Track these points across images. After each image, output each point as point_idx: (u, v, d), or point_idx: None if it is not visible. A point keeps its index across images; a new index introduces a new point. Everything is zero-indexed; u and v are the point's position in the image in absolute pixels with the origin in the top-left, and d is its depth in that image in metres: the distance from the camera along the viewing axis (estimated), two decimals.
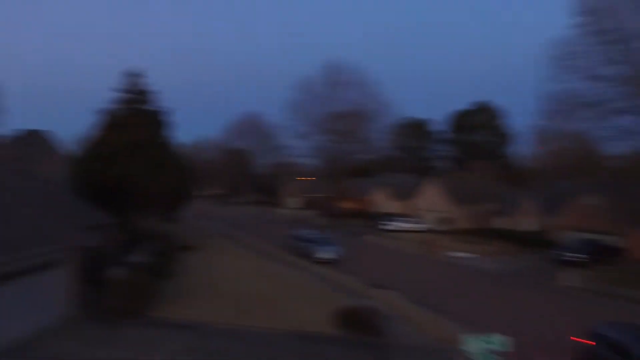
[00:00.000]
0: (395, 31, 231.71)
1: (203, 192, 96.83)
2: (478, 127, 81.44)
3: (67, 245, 16.02)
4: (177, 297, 19.60)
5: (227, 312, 18.13)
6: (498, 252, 38.63)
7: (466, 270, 31.99)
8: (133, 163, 27.52)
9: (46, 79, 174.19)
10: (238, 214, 67.41)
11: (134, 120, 29.74)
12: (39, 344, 13.61)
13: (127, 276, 17.87)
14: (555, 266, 32.55)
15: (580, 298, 24.73)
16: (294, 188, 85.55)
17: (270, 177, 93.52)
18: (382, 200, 65.75)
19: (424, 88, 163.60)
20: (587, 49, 31.10)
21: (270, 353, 14.52)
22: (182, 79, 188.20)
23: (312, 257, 31.55)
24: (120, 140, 28.19)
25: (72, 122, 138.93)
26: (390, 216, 54.93)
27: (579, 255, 33.37)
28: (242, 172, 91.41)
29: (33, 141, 46.84)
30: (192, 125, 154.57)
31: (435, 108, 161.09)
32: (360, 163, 73.31)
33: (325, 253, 31.82)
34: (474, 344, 8.98)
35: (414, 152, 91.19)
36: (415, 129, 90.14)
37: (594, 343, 13.72)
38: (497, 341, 8.90)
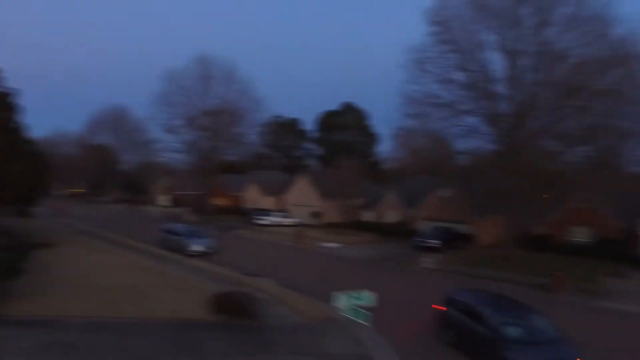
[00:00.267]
0: (269, 32, 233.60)
1: (64, 189, 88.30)
2: (345, 127, 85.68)
3: None
4: (31, 294, 17.75)
5: (87, 306, 16.72)
6: (364, 242, 41.41)
7: (335, 258, 33.64)
8: None
9: None
10: (103, 213, 62.85)
11: None
12: None
13: None
14: (415, 252, 35.69)
15: (435, 276, 27.53)
16: (164, 185, 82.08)
17: (138, 174, 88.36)
18: (254, 197, 66.17)
19: (296, 88, 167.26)
20: (439, 56, 34.72)
21: (138, 342, 13.90)
22: (35, 67, 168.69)
23: (185, 250, 30.83)
24: None
25: None
26: (262, 211, 55.94)
27: (434, 241, 37.11)
28: (106, 169, 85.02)
29: None
30: (48, 118, 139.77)
31: (307, 108, 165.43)
32: (232, 160, 72.93)
33: (198, 246, 31.25)
34: (343, 300, 9.72)
35: (285, 150, 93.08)
36: (286, 128, 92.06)
37: (445, 308, 15.99)
38: (364, 297, 9.74)
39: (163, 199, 79.50)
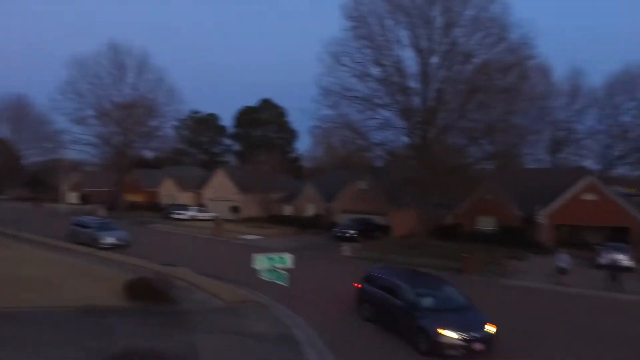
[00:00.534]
0: (187, 26, 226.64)
1: None
2: (263, 122, 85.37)
3: None
4: None
5: None
6: (284, 234, 41.58)
7: (255, 249, 33.44)
8: None
9: None
10: (3, 211, 57.54)
11: None
12: None
13: None
14: (335, 242, 36.54)
15: (354, 263, 28.24)
16: (72, 182, 76.62)
17: (43, 170, 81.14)
18: (171, 192, 63.91)
19: (215, 84, 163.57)
20: (355, 50, 35.56)
21: (45, 330, 12.90)
22: None
23: (97, 243, 29.55)
24: None
25: None
26: (180, 206, 54.53)
27: (352, 232, 38.03)
28: (6, 165, 77.25)
29: None
30: None
31: (226, 104, 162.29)
32: (148, 155, 69.95)
33: (111, 238, 30.08)
34: (262, 262, 9.73)
35: (202, 145, 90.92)
36: (204, 123, 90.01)
37: (360, 286, 16.80)
38: (280, 259, 9.80)
39: (72, 196, 74.29)
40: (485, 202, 39.61)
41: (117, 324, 13.88)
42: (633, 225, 33.08)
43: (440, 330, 12.46)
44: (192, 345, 12.54)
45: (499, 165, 52.53)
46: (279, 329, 14.45)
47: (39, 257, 24.37)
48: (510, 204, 38.58)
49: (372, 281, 16.26)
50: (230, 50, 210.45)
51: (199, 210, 54.20)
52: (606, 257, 26.71)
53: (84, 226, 31.50)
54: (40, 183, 79.86)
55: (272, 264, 9.48)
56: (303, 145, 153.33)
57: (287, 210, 51.66)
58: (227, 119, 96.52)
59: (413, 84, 35.39)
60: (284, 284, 9.70)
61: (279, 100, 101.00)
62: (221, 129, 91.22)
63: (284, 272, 9.68)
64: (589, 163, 54.51)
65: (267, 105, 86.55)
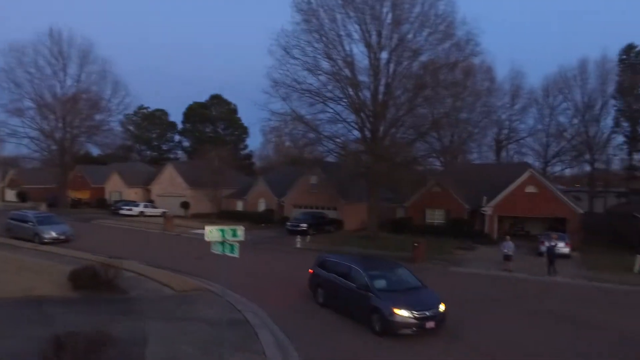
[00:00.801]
0: (133, 18, 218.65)
1: None
2: (213, 119, 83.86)
3: None
4: None
5: None
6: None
7: (204, 243, 32.88)
8: None
9: None
10: None
11: None
12: None
13: None
14: (288, 236, 36.49)
15: (305, 254, 28.18)
16: (10, 178, 72.29)
17: None
18: (118, 188, 61.62)
19: (165, 80, 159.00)
20: (306, 43, 35.47)
21: None
22: None
23: (38, 238, 28.21)
24: None
25: None
26: (128, 202, 52.86)
27: (304, 225, 38.02)
28: None
29: None
30: None
31: (176, 100, 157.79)
32: (94, 151, 67.19)
33: (53, 232, 28.73)
34: (213, 234, 9.55)
35: (151, 141, 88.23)
36: (153, 119, 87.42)
37: (312, 271, 16.93)
38: (232, 231, 9.64)
39: (9, 194, 70.13)
40: (434, 195, 40.61)
41: (61, 313, 13.22)
42: (570, 215, 34.86)
43: (395, 310, 12.62)
44: (141, 330, 12.13)
45: (447, 159, 54.25)
46: (232, 314, 14.23)
47: None
48: (458, 197, 39.72)
49: (324, 266, 16.31)
50: (179, 44, 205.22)
51: (147, 206, 52.57)
52: (545, 245, 28.05)
53: (23, 221, 29.81)
54: None
55: (224, 236, 9.25)
56: (254, 142, 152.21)
57: (239, 205, 51.02)
58: (176, 115, 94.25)
59: (363, 78, 35.80)
60: (235, 256, 9.52)
61: (229, 96, 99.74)
62: (170, 125, 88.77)
63: (235, 243, 9.49)
64: (530, 160, 57.01)
65: (217, 101, 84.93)
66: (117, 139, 64.84)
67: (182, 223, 42.88)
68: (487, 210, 36.09)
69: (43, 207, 50.82)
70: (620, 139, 56.99)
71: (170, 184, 55.01)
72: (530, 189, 35.70)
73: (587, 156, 55.88)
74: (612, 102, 55.90)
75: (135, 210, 50.49)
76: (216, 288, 17.70)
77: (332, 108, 36.48)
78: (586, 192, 57.44)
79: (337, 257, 16.59)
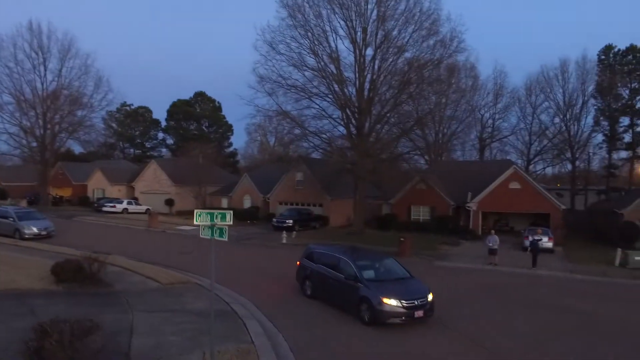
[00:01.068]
0: (116, 14, 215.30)
1: None
2: (197, 116, 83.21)
3: None
4: None
5: None
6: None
7: (192, 238, 32.62)
8: None
9: None
10: None
11: None
12: None
13: None
14: (274, 232, 36.29)
15: (291, 250, 28.16)
16: None
17: None
18: (101, 186, 60.77)
19: (149, 77, 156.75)
20: (292, 39, 35.34)
21: None
22: None
23: (19, 234, 27.74)
24: None
25: None
26: (111, 199, 52.25)
27: (288, 221, 37.89)
28: None
29: None
30: None
31: (159, 97, 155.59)
32: (76, 148, 66.10)
33: (34, 228, 28.20)
34: (202, 218, 9.45)
35: (135, 139, 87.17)
36: (136, 116, 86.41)
37: (299, 263, 16.92)
38: (221, 215, 9.55)
39: None
40: (420, 192, 40.78)
41: (44, 305, 12.95)
42: (553, 211, 35.35)
43: (384, 299, 12.62)
44: (127, 321, 11.95)
45: (432, 157, 54.68)
46: (220, 306, 14.06)
47: None
48: (443, 194, 39.97)
49: (312, 258, 16.25)
50: (163, 41, 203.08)
51: (132, 204, 51.96)
52: (529, 240, 28.39)
53: (3, 216, 29.13)
54: None
55: (213, 220, 9.14)
56: (239, 141, 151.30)
57: (224, 203, 50.68)
58: (160, 112, 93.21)
59: (349, 74, 35.84)
60: (224, 239, 9.42)
61: (214, 94, 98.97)
62: (154, 123, 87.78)
63: (224, 227, 9.39)
64: (513, 159, 57.67)
65: (201, 98, 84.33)
66: (100, 135, 63.92)
67: (166, 220, 42.49)
68: (472, 206, 36.40)
69: (23, 204, 49.79)
70: (600, 137, 58.10)
71: (154, 181, 54.37)
72: (514, 185, 36.11)
73: (569, 154, 56.76)
74: (592, 101, 56.92)
75: (119, 207, 49.88)
76: (202, 281, 17.57)
77: (317, 104, 36.55)
78: (567, 190, 58.34)
79: (325, 249, 16.57)
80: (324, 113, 36.62)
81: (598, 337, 13.02)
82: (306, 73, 35.84)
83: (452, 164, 50.95)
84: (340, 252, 15.56)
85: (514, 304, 16.60)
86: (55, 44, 51.81)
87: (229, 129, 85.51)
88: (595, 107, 57.31)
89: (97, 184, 61.11)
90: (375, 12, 34.50)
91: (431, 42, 34.44)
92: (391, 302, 12.62)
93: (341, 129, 37.43)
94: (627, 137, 56.76)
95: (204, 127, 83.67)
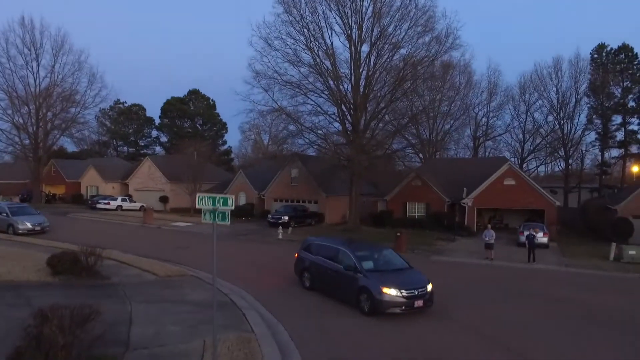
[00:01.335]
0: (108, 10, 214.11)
1: None
2: (191, 114, 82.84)
3: None
4: None
5: None
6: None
7: (188, 234, 32.60)
8: None
9: None
10: None
11: None
12: None
13: None
14: (269, 228, 36.35)
15: (287, 245, 28.15)
16: None
17: None
18: (95, 183, 60.34)
19: (141, 74, 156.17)
20: (287, 35, 35.25)
21: None
22: None
23: (13, 229, 27.51)
24: None
25: None
26: (105, 197, 51.97)
27: (284, 218, 37.85)
28: None
29: None
30: None
31: (153, 95, 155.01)
32: (70, 147, 65.66)
33: (28, 224, 27.99)
34: (204, 202, 9.39)
35: (128, 137, 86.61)
36: (130, 114, 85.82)
37: (297, 255, 16.87)
38: (223, 199, 9.48)
39: None
40: (415, 189, 40.81)
41: (41, 296, 12.80)
42: (547, 207, 35.53)
43: (384, 289, 12.61)
44: (125, 312, 11.86)
45: (426, 154, 54.79)
46: (218, 297, 13.92)
47: None
48: (438, 191, 40.03)
49: (311, 250, 16.22)
50: (156, 39, 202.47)
51: (126, 201, 51.68)
52: (525, 235, 28.53)
53: None
54: None
55: (215, 204, 9.08)
56: (233, 140, 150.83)
57: None
58: (154, 110, 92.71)
59: (344, 70, 35.84)
60: (227, 224, 9.36)
61: (208, 92, 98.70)
62: (148, 121, 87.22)
63: (227, 211, 9.33)
64: (506, 157, 57.87)
65: (195, 96, 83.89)
66: (93, 132, 63.53)
67: (161, 217, 42.32)
68: (468, 201, 36.49)
69: (16, 201, 49.44)
70: (592, 135, 58.51)
71: (148, 178, 54.08)
72: (509, 182, 36.24)
73: (562, 152, 57.10)
74: (585, 99, 57.29)
75: (113, 204, 49.59)
76: (199, 274, 17.50)
77: (313, 100, 36.47)
78: (561, 188, 58.70)
79: (323, 240, 16.55)
80: (319, 109, 36.61)
81: (597, 325, 13.14)
82: (302, 69, 35.83)
83: (447, 161, 51.11)
84: (339, 243, 15.55)
85: (512, 295, 16.72)
86: (48, 39, 51.52)
87: (223, 127, 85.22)
88: (588, 105, 57.73)
89: (90, 181, 60.67)
90: (370, 8, 34.54)
91: (426, 38, 34.49)
92: (391, 291, 12.61)
93: (337, 125, 37.45)
94: (620, 135, 57.27)
95: (198, 125, 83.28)
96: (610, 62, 57.51)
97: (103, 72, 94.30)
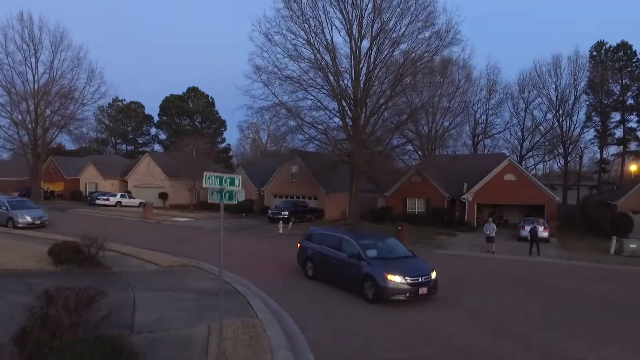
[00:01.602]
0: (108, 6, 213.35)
1: None
2: (190, 111, 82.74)
3: None
4: None
5: None
6: (216, 217, 40.48)
7: (189, 228, 32.57)
8: None
9: None
10: None
11: None
12: None
13: None
14: (270, 223, 36.44)
15: (286, 238, 28.13)
16: None
17: None
18: (94, 179, 60.27)
19: (141, 73, 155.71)
20: (287, 30, 35.17)
21: None
22: None
23: (13, 223, 27.39)
24: None
25: None
26: (104, 193, 52.01)
27: (284, 213, 37.82)
28: None
29: None
30: None
31: (152, 92, 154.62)
32: (68, 144, 65.46)
33: (28, 217, 27.83)
34: (211, 181, 9.27)
35: (127, 134, 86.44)
36: (129, 111, 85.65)
37: (300, 245, 16.86)
38: (230, 179, 9.40)
39: None
40: (415, 185, 40.83)
41: (43, 284, 12.57)
42: (548, 202, 35.57)
43: (389, 276, 12.58)
44: (129, 299, 11.81)
45: (426, 151, 54.74)
46: (222, 286, 13.94)
47: None
48: (438, 186, 40.04)
49: (313, 239, 16.22)
50: (155, 36, 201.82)
51: (125, 197, 51.70)
52: (526, 230, 28.55)
53: None
54: None
55: (222, 184, 8.98)
56: (232, 138, 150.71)
57: None
58: (153, 108, 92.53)
59: (344, 66, 35.77)
60: (234, 203, 9.28)
61: (206, 89, 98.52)
62: (146, 118, 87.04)
63: (234, 191, 9.24)
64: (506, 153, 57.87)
65: (194, 93, 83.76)
66: (92, 129, 63.20)
67: (161, 212, 42.27)
68: (468, 197, 36.49)
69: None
70: (591, 133, 58.59)
71: (147, 174, 53.95)
72: (509, 177, 36.27)
73: (561, 150, 57.14)
74: (584, 97, 57.36)
75: (113, 200, 49.58)
76: (201, 265, 17.45)
77: (313, 95, 36.36)
78: (560, 185, 58.75)
79: (327, 230, 16.55)
80: (319, 104, 36.53)
81: (598, 310, 13.16)
82: (302, 64, 35.70)
83: (447, 157, 51.08)
84: (342, 232, 15.57)
85: (514, 285, 16.72)
86: (47, 35, 51.31)
87: (222, 124, 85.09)
88: (587, 103, 57.78)
89: (89, 178, 60.56)
90: (371, 3, 34.42)
91: (427, 34, 34.35)
92: (395, 278, 12.58)
93: (337, 120, 37.34)
94: (618, 133, 57.44)
95: (197, 123, 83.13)
96: (609, 59, 57.58)
97: (102, 69, 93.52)
